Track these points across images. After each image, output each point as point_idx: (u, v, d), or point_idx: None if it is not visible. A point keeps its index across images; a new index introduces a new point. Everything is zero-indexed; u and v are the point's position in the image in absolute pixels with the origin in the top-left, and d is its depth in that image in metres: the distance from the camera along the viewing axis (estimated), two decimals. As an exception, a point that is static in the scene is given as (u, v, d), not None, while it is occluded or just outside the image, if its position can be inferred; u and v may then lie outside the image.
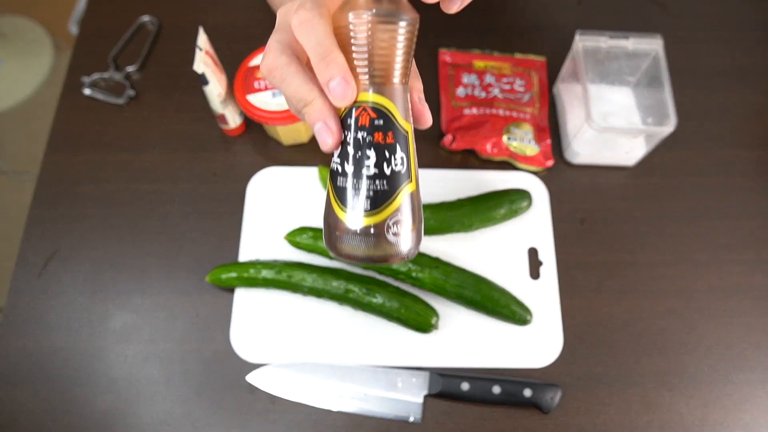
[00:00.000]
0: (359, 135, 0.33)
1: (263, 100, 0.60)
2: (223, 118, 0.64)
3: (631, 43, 0.63)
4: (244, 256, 0.60)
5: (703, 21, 0.76)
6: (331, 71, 0.32)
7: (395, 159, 0.33)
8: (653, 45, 0.63)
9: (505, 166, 0.66)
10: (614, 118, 0.66)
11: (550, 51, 0.72)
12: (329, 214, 0.35)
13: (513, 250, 0.61)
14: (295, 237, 0.59)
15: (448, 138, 0.65)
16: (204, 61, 0.56)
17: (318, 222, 0.61)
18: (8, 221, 1.39)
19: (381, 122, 0.32)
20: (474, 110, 0.67)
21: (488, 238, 0.62)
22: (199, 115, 0.68)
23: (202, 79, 0.57)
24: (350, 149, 0.33)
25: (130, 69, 0.70)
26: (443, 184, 0.64)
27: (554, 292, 0.60)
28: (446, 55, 0.71)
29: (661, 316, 0.60)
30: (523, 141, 0.64)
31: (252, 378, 0.55)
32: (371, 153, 0.33)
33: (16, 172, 1.46)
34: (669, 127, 0.59)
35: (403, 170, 0.33)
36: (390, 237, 0.33)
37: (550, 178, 0.65)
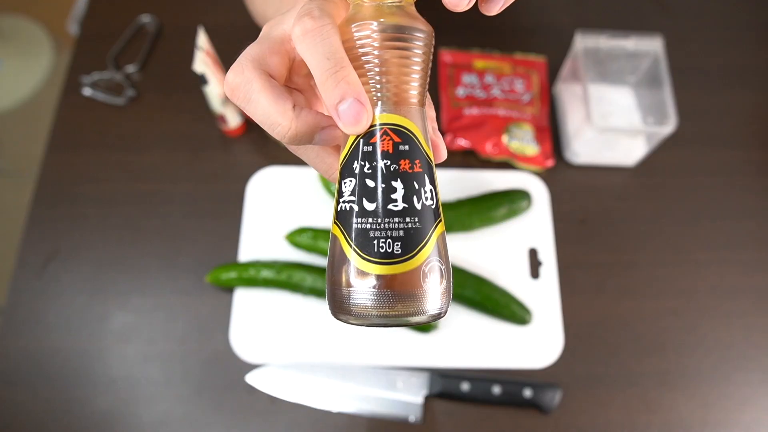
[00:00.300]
0: (381, 163, 0.27)
1: (263, 100, 0.60)
2: (223, 118, 0.64)
3: (632, 43, 0.63)
4: (244, 256, 0.60)
5: (703, 21, 0.76)
6: (342, 91, 0.26)
7: (425, 191, 0.27)
8: (653, 45, 0.63)
9: (505, 166, 0.66)
10: (614, 118, 0.66)
11: (550, 51, 0.72)
12: (340, 267, 0.28)
13: (513, 250, 0.61)
14: (296, 237, 0.59)
15: (447, 138, 0.65)
16: (204, 61, 0.56)
17: (317, 222, 0.61)
18: (8, 221, 1.39)
19: (407, 147, 0.27)
20: (474, 110, 0.67)
21: (488, 238, 0.62)
22: (199, 115, 0.68)
23: (202, 79, 0.57)
24: (369, 182, 0.27)
25: (130, 69, 0.70)
26: (443, 184, 0.64)
27: (554, 292, 0.60)
28: (446, 55, 0.71)
29: (662, 316, 0.60)
30: (523, 141, 0.64)
31: (251, 378, 0.55)
32: (398, 185, 0.27)
33: (16, 172, 1.46)
34: (669, 127, 0.59)
35: (434, 205, 0.28)
36: (426, 287, 0.27)
37: (550, 178, 0.65)
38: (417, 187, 0.27)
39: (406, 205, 0.27)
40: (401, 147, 0.27)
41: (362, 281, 0.27)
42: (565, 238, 0.63)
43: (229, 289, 0.59)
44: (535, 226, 0.63)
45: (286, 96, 0.28)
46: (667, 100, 0.60)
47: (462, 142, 0.65)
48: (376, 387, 0.55)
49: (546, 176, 0.65)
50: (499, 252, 0.61)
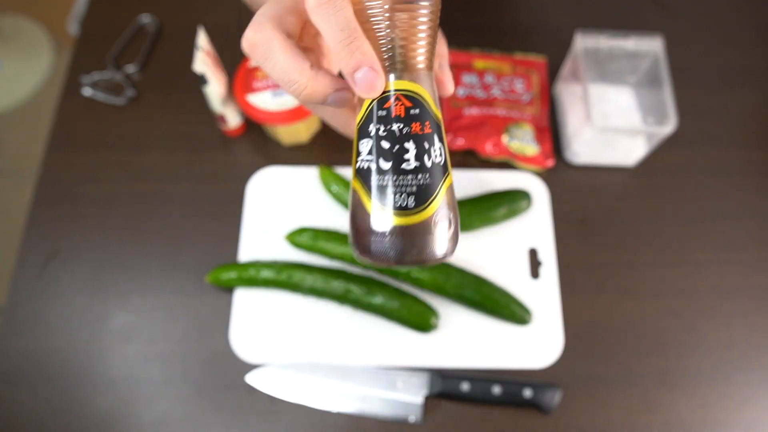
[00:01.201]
0: (395, 127, 0.30)
1: (263, 100, 0.60)
2: (223, 118, 0.64)
3: (632, 43, 0.63)
4: (244, 256, 0.60)
5: (703, 21, 0.76)
6: (357, 60, 0.29)
7: (434, 150, 0.31)
8: (653, 45, 0.63)
9: (505, 166, 0.66)
10: (614, 118, 0.66)
11: (550, 51, 0.72)
12: (362, 217, 0.32)
13: (513, 250, 0.61)
14: (295, 237, 0.59)
15: (448, 137, 0.65)
16: (204, 61, 0.56)
17: (317, 222, 0.61)
18: (8, 221, 1.39)
19: (417, 111, 0.31)
20: (474, 110, 0.67)
21: (488, 238, 0.62)
22: (199, 115, 0.68)
23: (202, 79, 0.57)
24: (384, 143, 0.31)
25: (130, 69, 0.70)
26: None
27: (554, 292, 0.60)
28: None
29: (662, 316, 0.60)
30: (523, 141, 0.64)
31: (251, 378, 0.55)
32: (410, 146, 0.30)
33: (16, 172, 1.46)
34: (669, 127, 0.59)
35: (443, 161, 0.32)
36: (436, 234, 0.31)
37: (550, 178, 0.65)
38: (427, 146, 0.31)
39: (418, 164, 0.30)
40: (412, 111, 0.30)
41: (380, 230, 0.31)
42: (565, 238, 0.63)
43: (229, 289, 0.59)
44: (535, 226, 0.63)
45: (303, 55, 0.30)
46: (667, 100, 0.60)
47: (462, 142, 0.65)
48: (376, 387, 0.55)
49: (546, 176, 0.65)
50: (499, 252, 0.61)
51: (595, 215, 0.64)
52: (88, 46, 0.72)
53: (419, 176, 0.31)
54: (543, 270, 0.61)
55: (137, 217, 0.63)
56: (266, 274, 0.56)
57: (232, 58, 0.66)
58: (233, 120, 0.64)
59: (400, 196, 0.31)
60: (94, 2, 0.75)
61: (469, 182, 0.64)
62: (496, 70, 0.69)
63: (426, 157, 0.31)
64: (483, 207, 0.60)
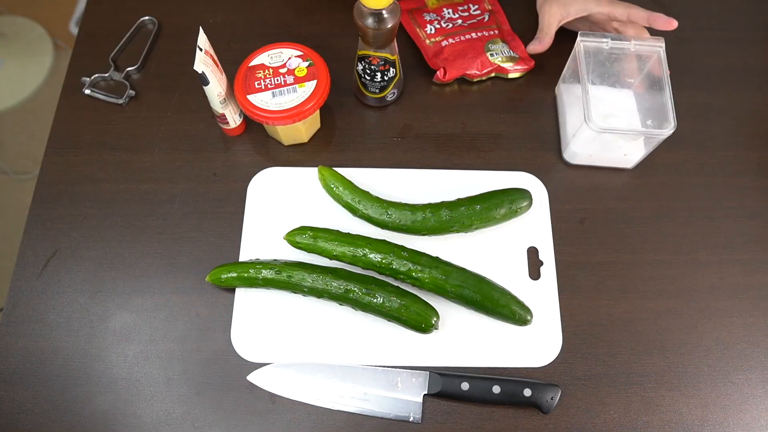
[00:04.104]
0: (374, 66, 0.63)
1: (263, 100, 0.60)
2: (223, 118, 0.64)
3: (633, 45, 0.63)
4: (244, 256, 0.60)
5: (703, 21, 0.76)
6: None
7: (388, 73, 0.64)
8: (655, 47, 0.63)
9: (505, 162, 0.66)
10: (614, 119, 0.66)
11: (551, 51, 0.72)
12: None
13: (513, 250, 0.62)
14: (295, 237, 0.59)
15: (440, 72, 0.68)
16: (204, 61, 0.56)
17: (317, 222, 0.61)
18: (8, 221, 1.39)
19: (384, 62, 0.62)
20: (451, 40, 0.70)
21: (488, 238, 0.62)
22: (199, 115, 0.68)
23: (202, 79, 0.57)
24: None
25: (130, 69, 0.70)
26: (443, 184, 0.64)
27: (554, 291, 0.60)
28: (400, 4, 0.73)
29: (661, 316, 0.60)
30: (504, 54, 0.70)
31: (253, 378, 0.55)
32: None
33: (16, 172, 1.46)
34: (667, 131, 0.59)
35: (394, 75, 0.65)
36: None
37: (550, 178, 0.66)
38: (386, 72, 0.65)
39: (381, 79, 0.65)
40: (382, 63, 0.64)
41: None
42: (564, 237, 0.63)
43: (229, 289, 0.59)
44: (535, 225, 0.63)
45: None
46: (667, 103, 0.60)
47: (451, 73, 0.68)
48: (376, 387, 0.55)
49: (545, 176, 0.66)
50: (499, 252, 0.61)
51: (594, 215, 0.64)
52: (88, 46, 0.72)
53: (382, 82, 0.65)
54: (543, 270, 0.61)
55: (137, 217, 0.63)
56: (266, 274, 0.56)
57: (232, 58, 0.66)
58: (233, 120, 0.64)
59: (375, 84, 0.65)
60: (94, 3, 0.75)
61: (469, 182, 0.64)
62: (448, 2, 0.74)
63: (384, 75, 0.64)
64: (483, 207, 0.59)
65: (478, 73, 0.69)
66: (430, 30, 0.72)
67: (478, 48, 0.70)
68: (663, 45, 0.63)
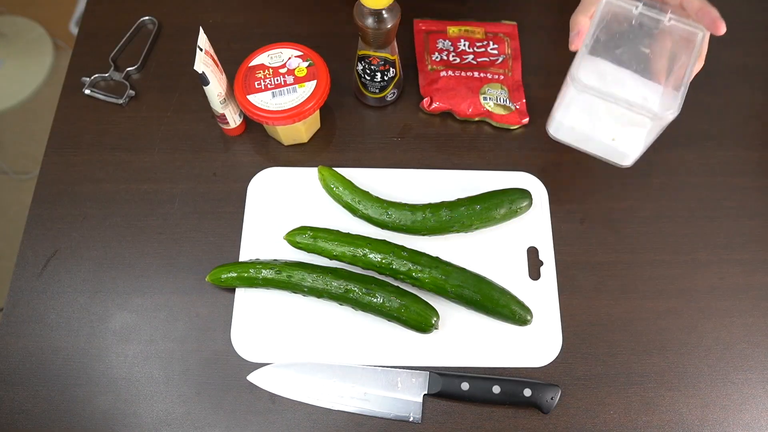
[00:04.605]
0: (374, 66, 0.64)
1: (263, 100, 0.60)
2: (223, 118, 0.64)
3: (669, 20, 0.53)
4: (244, 256, 0.60)
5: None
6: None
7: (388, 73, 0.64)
8: (695, 30, 0.53)
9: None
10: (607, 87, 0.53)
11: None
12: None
13: (513, 249, 0.62)
14: (295, 237, 0.59)
15: (426, 100, 0.67)
16: (204, 61, 0.56)
17: (317, 222, 0.61)
18: (8, 221, 1.40)
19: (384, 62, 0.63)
20: (450, 73, 0.69)
21: (488, 238, 0.62)
22: (199, 115, 0.68)
23: (202, 79, 0.57)
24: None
25: (130, 69, 0.70)
26: (443, 184, 0.64)
27: (553, 291, 0.60)
28: (420, 24, 0.73)
29: (661, 316, 0.60)
30: (498, 101, 0.67)
31: (253, 378, 0.55)
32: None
33: (16, 172, 1.46)
34: (670, 114, 0.50)
35: (393, 75, 0.65)
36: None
37: (550, 177, 0.65)
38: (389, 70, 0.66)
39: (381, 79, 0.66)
40: (382, 63, 0.64)
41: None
42: (564, 237, 0.63)
43: (229, 289, 0.59)
44: (535, 225, 0.63)
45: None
46: (680, 89, 0.52)
47: (439, 105, 0.67)
48: (376, 387, 0.55)
49: (545, 176, 0.66)
50: (499, 252, 0.61)
51: (594, 215, 0.64)
52: (88, 46, 0.72)
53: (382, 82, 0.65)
54: (542, 270, 0.61)
55: (137, 217, 0.63)
56: (266, 274, 0.56)
57: (232, 58, 0.66)
58: (233, 120, 0.64)
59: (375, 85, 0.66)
60: (94, 3, 0.75)
61: (469, 182, 0.64)
62: (469, 34, 0.72)
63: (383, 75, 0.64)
64: (483, 207, 0.59)
65: (466, 112, 0.67)
66: (436, 57, 0.70)
67: (474, 88, 0.68)
68: (705, 32, 0.53)
